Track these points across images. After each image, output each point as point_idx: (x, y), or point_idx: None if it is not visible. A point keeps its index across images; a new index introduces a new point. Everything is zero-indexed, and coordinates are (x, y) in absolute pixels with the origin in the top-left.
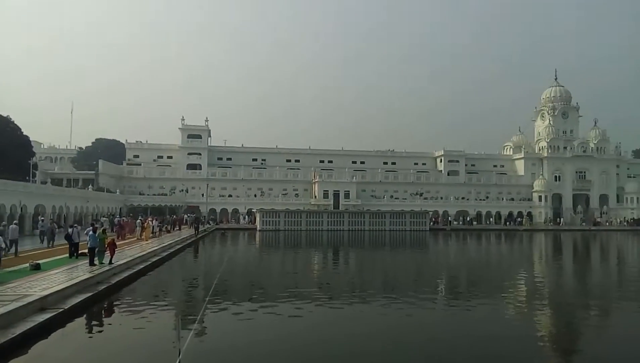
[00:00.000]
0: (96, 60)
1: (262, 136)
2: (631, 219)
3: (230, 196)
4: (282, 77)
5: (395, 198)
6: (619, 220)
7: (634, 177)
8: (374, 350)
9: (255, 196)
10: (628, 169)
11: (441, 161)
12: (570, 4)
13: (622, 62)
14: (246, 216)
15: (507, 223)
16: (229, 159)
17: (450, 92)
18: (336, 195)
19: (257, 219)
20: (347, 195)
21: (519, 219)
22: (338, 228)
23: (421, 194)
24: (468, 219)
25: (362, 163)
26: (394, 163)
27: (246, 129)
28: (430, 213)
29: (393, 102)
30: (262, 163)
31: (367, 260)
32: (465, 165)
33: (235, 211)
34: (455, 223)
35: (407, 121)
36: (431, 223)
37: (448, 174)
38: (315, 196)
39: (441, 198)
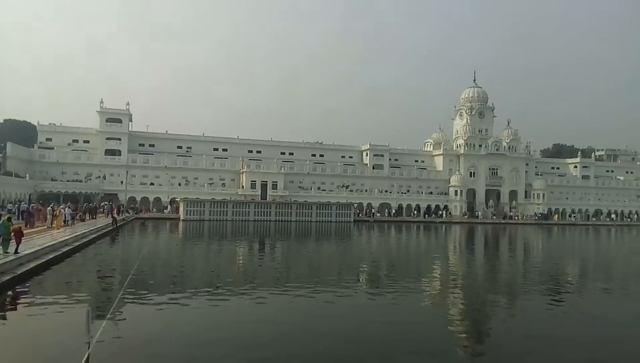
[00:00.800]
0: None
1: (188, 125)
2: (539, 214)
3: (152, 184)
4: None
5: (322, 190)
6: (528, 214)
7: (541, 175)
8: (293, 337)
9: (179, 184)
10: (536, 167)
11: (367, 154)
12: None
13: (542, 75)
14: (169, 206)
15: (426, 216)
16: (152, 145)
17: (377, 86)
18: (264, 186)
19: (181, 208)
20: (274, 186)
21: (440, 212)
22: (265, 218)
23: (347, 187)
24: (392, 211)
25: (291, 154)
26: (322, 155)
27: (173, 117)
28: (355, 204)
29: (324, 95)
30: (187, 151)
31: (292, 250)
32: (389, 159)
33: (157, 200)
34: (378, 215)
35: (337, 114)
36: (356, 215)
37: (373, 168)
38: (243, 186)
39: (366, 191)
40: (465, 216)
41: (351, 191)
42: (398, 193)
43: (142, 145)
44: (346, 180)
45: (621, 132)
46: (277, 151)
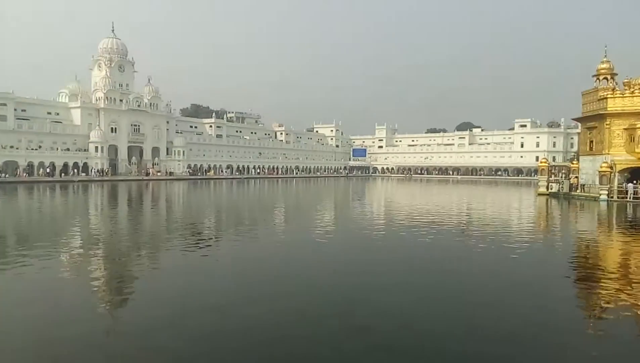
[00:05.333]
0: None
1: None
2: (171, 172)
3: None
4: None
5: None
6: (180, 171)
7: (181, 133)
8: None
9: None
10: (177, 125)
11: None
12: None
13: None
14: None
15: (63, 174)
16: None
17: None
18: None
19: None
20: None
21: (79, 170)
22: None
23: None
24: (19, 171)
25: None
26: None
27: None
28: None
29: None
30: None
31: None
32: (15, 110)
33: None
34: (3, 175)
35: None
36: None
37: None
38: None
39: None
40: (107, 174)
41: None
42: (27, 149)
43: None
44: None
45: (248, 97)
46: None
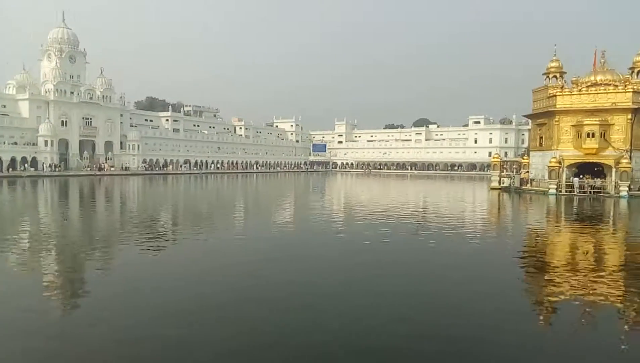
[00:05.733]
0: None
1: None
2: (126, 166)
3: None
4: None
5: None
6: (135, 166)
7: (135, 126)
8: None
9: None
10: (131, 118)
11: None
12: None
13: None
14: None
15: (10, 169)
16: None
17: None
18: None
19: None
20: None
21: (27, 165)
22: None
23: None
24: None
25: None
26: None
27: None
28: None
29: None
30: None
31: None
32: None
33: None
34: None
35: None
36: None
37: None
38: None
39: None
40: (58, 169)
41: None
42: None
43: None
44: None
45: (205, 91)
46: None
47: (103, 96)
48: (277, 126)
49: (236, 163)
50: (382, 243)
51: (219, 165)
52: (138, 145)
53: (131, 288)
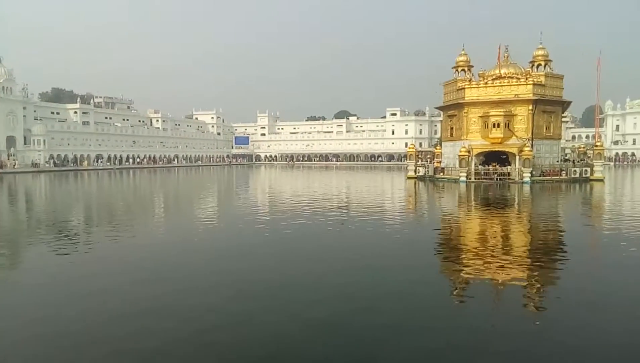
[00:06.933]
0: None
1: None
2: (35, 163)
3: None
4: None
5: None
6: (34, 162)
7: (41, 120)
8: None
9: None
10: (35, 111)
11: None
12: None
13: None
14: None
15: None
16: None
17: None
18: None
19: None
20: None
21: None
22: None
23: None
24: None
25: None
26: None
27: None
28: None
29: None
30: None
31: None
32: None
33: None
34: None
35: None
36: None
37: None
38: None
39: None
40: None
41: None
42: None
43: None
44: None
45: (118, 82)
46: None
47: (3, 88)
48: (197, 119)
49: (154, 157)
50: (286, 231)
51: (139, 159)
52: (44, 140)
53: None
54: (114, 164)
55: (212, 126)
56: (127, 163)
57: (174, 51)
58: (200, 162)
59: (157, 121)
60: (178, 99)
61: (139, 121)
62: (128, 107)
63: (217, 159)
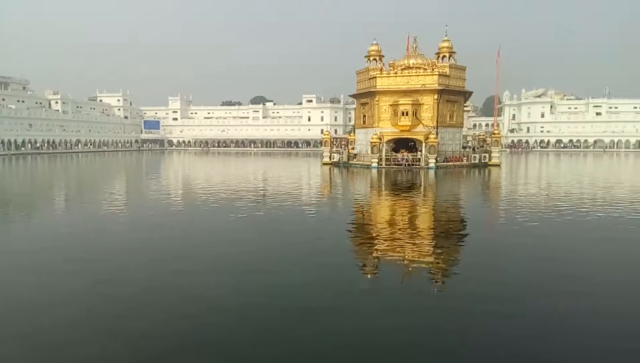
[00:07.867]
0: None
1: None
2: None
3: None
4: None
5: None
6: None
7: None
8: None
9: None
10: None
11: None
12: None
13: None
14: None
15: None
16: None
17: None
18: None
19: None
20: None
21: None
22: None
23: None
24: None
25: None
26: None
27: None
28: None
29: None
30: None
31: None
32: None
33: None
34: None
35: None
36: None
37: None
38: None
39: None
40: None
41: None
42: None
43: None
44: None
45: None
46: None
47: None
48: (101, 101)
49: (54, 142)
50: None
51: (38, 145)
52: None
53: None
54: (8, 150)
55: (119, 109)
56: (22, 149)
57: (79, 28)
58: (105, 147)
59: (57, 103)
60: (81, 81)
61: (36, 102)
62: (23, 88)
63: (126, 145)
